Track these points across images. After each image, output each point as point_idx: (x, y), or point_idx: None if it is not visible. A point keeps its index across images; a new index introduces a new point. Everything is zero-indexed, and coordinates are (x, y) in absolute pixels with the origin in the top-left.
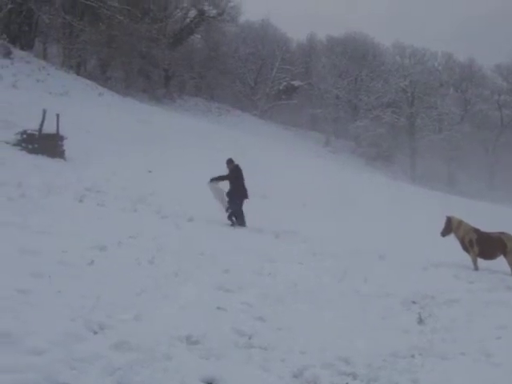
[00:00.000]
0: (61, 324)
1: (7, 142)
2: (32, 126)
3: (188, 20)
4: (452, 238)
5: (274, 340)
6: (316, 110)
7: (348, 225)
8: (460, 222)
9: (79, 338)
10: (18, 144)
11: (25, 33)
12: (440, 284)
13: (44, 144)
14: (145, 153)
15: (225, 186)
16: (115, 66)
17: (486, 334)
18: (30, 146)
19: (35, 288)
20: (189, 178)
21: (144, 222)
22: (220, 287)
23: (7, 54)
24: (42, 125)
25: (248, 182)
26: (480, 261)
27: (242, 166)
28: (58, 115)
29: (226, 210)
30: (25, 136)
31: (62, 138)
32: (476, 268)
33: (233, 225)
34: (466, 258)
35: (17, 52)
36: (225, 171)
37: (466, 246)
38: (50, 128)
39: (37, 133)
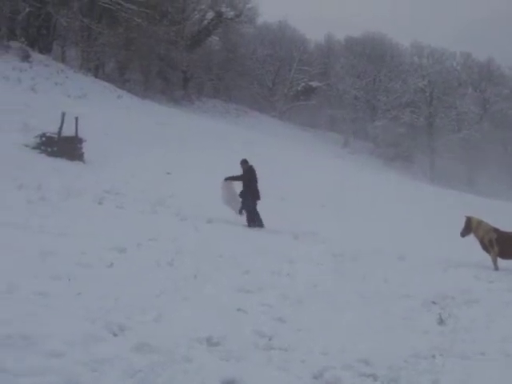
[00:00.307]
0: (80, 326)
1: (26, 145)
2: (51, 128)
3: (206, 22)
4: (471, 238)
5: (294, 341)
6: (334, 110)
7: (367, 225)
8: (479, 222)
9: (99, 339)
10: (37, 147)
11: (43, 36)
12: (460, 284)
13: (63, 147)
14: (163, 155)
15: (237, 187)
16: (133, 68)
17: (506, 334)
18: (49, 149)
19: (54, 290)
20: (207, 179)
21: (163, 224)
22: (240, 289)
23: (26, 58)
24: (60, 128)
25: (266, 184)
26: (500, 260)
27: (260, 168)
28: (76, 118)
29: (240, 212)
30: (44, 139)
31: (80, 141)
32: (496, 268)
33: (251, 226)
34: (485, 258)
35: (35, 55)
36: (240, 172)
37: (486, 246)
38: (68, 131)
39: (56, 136)
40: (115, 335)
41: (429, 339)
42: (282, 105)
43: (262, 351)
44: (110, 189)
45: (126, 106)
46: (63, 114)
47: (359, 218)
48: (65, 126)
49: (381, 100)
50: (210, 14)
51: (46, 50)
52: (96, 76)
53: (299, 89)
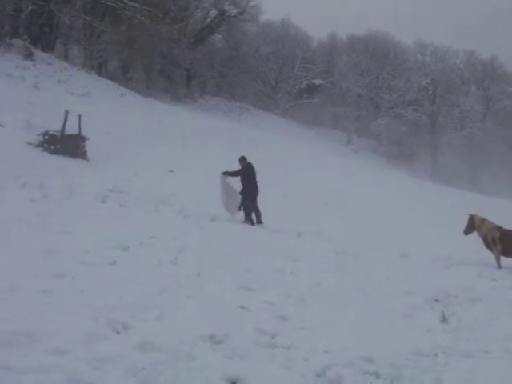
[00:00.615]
0: (83, 324)
1: (29, 143)
2: (54, 126)
3: (209, 20)
4: (475, 236)
5: (296, 339)
6: (337, 108)
7: (370, 223)
8: (483, 220)
9: (102, 337)
10: (40, 145)
11: (46, 34)
12: (463, 282)
13: (66, 145)
14: (166, 153)
15: (236, 184)
16: (136, 66)
17: (509, 332)
18: (52, 147)
19: (58, 288)
20: (210, 177)
21: (166, 223)
22: (242, 287)
23: (29, 56)
24: (64, 125)
25: (269, 181)
26: (503, 259)
27: (263, 165)
28: (79, 116)
29: (238, 209)
30: (47, 137)
31: (83, 139)
32: (499, 266)
33: (253, 224)
34: (489, 256)
35: (38, 53)
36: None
37: (489, 244)
38: (72, 129)
39: (59, 134)
40: (118, 333)
41: (431, 337)
42: (285, 103)
43: (265, 349)
44: (112, 187)
45: (129, 104)
46: (66, 112)
47: (362, 215)
48: (68, 123)
49: (384, 98)
50: (213, 12)
51: (48, 48)
52: (99, 74)
53: (302, 87)
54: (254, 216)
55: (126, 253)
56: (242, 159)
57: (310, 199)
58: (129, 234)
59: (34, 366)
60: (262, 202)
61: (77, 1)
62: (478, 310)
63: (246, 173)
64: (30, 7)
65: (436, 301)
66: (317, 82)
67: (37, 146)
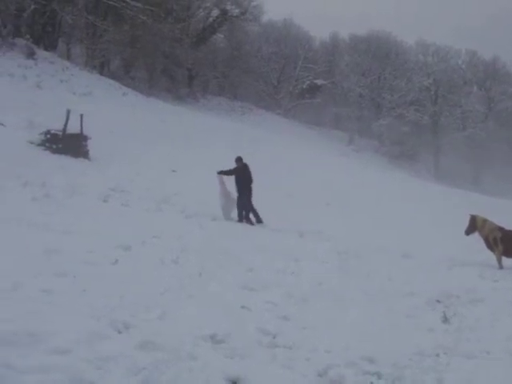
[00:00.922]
0: (85, 323)
1: (31, 142)
2: (56, 126)
3: (211, 19)
4: (476, 237)
5: (298, 339)
6: (339, 108)
7: (372, 223)
8: (484, 221)
9: (103, 337)
10: (41, 144)
11: (48, 33)
12: (465, 283)
13: (68, 144)
14: (168, 152)
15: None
16: (138, 65)
17: (511, 333)
18: (54, 146)
19: (59, 288)
20: (213, 177)
21: (168, 222)
22: (244, 286)
23: (31, 55)
24: (65, 125)
25: (271, 181)
26: (505, 259)
27: (265, 165)
28: (81, 115)
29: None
30: (49, 136)
31: (85, 138)
32: (501, 267)
33: (253, 224)
34: (490, 256)
35: (40, 52)
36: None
37: (491, 245)
38: (73, 128)
39: (61, 133)
40: (120, 333)
41: (433, 337)
42: (287, 102)
43: (266, 349)
44: (115, 186)
45: (131, 103)
46: (68, 111)
47: (364, 215)
48: (70, 123)
49: (386, 98)
50: (215, 12)
51: (51, 47)
52: (101, 73)
53: (304, 87)
54: (252, 216)
55: (127, 252)
56: (239, 159)
57: (313, 199)
58: (131, 233)
59: (35, 366)
60: (263, 201)
61: (79, 0)
62: (480, 310)
63: (241, 173)
64: (33, 6)
65: (438, 301)
66: (319, 82)
67: (39, 145)
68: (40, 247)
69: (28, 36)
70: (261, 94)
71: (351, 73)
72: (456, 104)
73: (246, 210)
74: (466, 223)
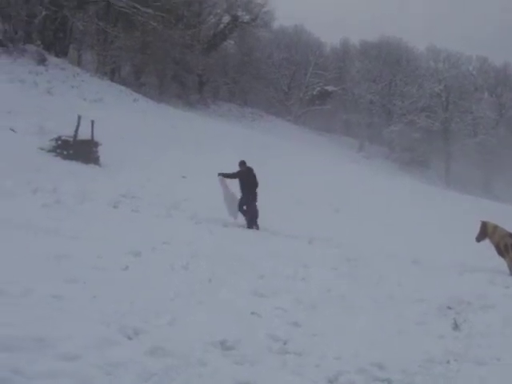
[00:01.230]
0: (95, 329)
1: (42, 148)
2: (67, 131)
3: (221, 26)
4: (487, 243)
5: (308, 345)
6: (350, 115)
7: (382, 230)
8: (495, 227)
9: (113, 343)
10: (52, 150)
11: (59, 40)
12: (475, 289)
13: (79, 150)
14: (179, 158)
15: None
16: (149, 72)
17: None
18: (65, 152)
19: (69, 293)
20: (217, 181)
21: (178, 228)
22: (254, 292)
23: (42, 61)
24: (76, 131)
25: (282, 187)
26: None
27: (275, 171)
28: (92, 121)
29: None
30: (59, 142)
31: (96, 144)
32: None
33: (251, 227)
34: (501, 263)
35: (51, 59)
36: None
37: (502, 251)
38: (84, 134)
39: (71, 139)
40: (130, 339)
41: (443, 344)
42: (297, 109)
43: (276, 355)
44: (125, 192)
45: (142, 109)
46: (79, 118)
47: (374, 222)
48: (81, 129)
49: (396, 104)
50: (226, 18)
51: (62, 53)
52: (112, 79)
53: (315, 93)
54: (245, 218)
55: (138, 258)
56: (242, 163)
57: (323, 205)
58: (141, 239)
59: (43, 371)
60: (274, 207)
61: (90, 6)
62: (491, 316)
63: (245, 177)
64: (44, 13)
65: (448, 308)
66: (329, 88)
67: (49, 151)
68: (50, 253)
69: (39, 42)
70: (271, 100)
71: (362, 79)
72: (467, 110)
73: (254, 216)
74: (476, 229)
